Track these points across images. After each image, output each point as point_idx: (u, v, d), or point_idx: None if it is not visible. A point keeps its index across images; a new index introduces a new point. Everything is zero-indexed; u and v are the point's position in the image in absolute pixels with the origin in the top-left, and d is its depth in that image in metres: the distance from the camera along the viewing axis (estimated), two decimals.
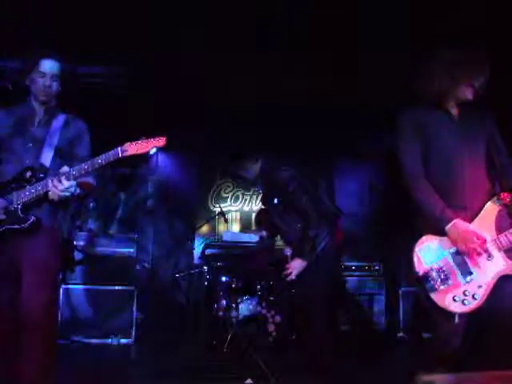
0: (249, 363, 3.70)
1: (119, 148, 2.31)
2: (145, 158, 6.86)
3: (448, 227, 2.21)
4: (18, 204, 2.34)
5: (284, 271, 3.27)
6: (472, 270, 2.21)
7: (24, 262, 2.35)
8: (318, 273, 3.23)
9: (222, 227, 6.80)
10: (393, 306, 5.59)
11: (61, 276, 4.79)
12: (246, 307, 4.65)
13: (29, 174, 2.37)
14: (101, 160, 2.31)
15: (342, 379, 3.63)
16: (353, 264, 5.97)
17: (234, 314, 4.62)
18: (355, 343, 5.39)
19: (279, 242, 5.87)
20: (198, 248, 6.25)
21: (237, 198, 7.20)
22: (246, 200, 7.20)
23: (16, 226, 2.33)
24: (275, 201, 3.43)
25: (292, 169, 3.43)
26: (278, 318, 4.57)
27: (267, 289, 4.77)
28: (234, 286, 4.80)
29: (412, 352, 4.35)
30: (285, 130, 5.90)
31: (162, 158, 6.97)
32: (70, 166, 2.36)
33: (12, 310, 2.33)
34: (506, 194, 2.26)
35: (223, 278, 4.94)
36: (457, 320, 2.15)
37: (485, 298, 2.17)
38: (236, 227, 7.09)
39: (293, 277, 3.21)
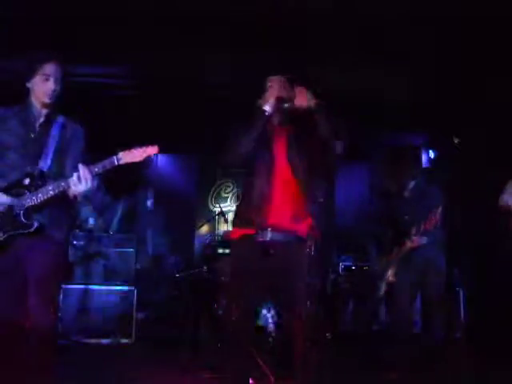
0: (249, 363, 3.68)
1: (115, 157, 2.35)
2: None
3: None
4: (20, 210, 2.34)
5: None
6: None
7: (28, 269, 2.37)
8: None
9: (221, 227, 6.79)
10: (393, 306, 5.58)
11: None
12: None
13: (27, 180, 2.38)
14: (97, 168, 2.36)
15: (342, 379, 3.63)
16: (353, 264, 5.97)
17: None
18: (355, 343, 5.39)
19: None
20: (197, 248, 6.25)
21: (237, 197, 7.20)
22: None
23: (20, 231, 2.33)
24: None
25: None
26: (278, 318, 4.56)
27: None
28: None
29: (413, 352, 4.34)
30: None
31: (161, 159, 6.97)
32: (64, 169, 2.44)
33: (14, 314, 2.36)
34: None
35: (223, 278, 4.92)
36: None
37: None
38: None
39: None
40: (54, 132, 2.51)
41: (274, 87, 2.62)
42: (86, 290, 5.03)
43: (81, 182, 2.31)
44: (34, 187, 2.37)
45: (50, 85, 2.46)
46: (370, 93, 5.20)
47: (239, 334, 2.53)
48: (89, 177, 2.32)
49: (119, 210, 6.41)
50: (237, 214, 2.77)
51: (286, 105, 2.60)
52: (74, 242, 5.16)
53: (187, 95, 5.46)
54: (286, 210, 2.56)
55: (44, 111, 2.53)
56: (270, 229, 2.53)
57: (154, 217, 6.72)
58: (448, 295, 4.22)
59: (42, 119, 2.52)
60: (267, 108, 2.56)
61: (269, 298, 4.63)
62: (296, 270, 2.58)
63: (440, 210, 3.62)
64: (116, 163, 2.34)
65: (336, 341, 5.13)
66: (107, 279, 5.14)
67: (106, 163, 2.35)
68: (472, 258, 5.15)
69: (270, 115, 2.58)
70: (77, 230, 5.37)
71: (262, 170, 2.59)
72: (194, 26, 4.29)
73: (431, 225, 3.62)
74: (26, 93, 2.53)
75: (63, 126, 2.55)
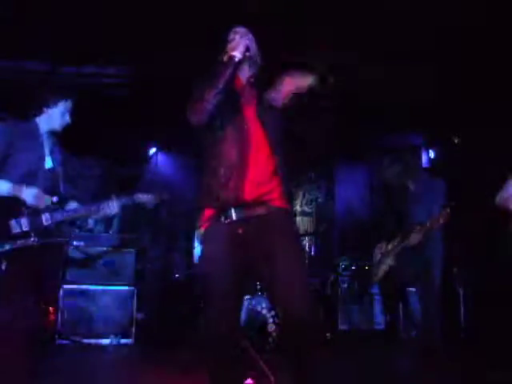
0: (249, 363, 3.69)
1: (140, 195, 2.97)
2: (145, 157, 6.86)
3: None
4: (51, 223, 2.64)
5: None
6: None
7: (42, 275, 2.63)
8: None
9: None
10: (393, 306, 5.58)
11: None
12: (246, 307, 4.64)
13: (56, 198, 2.70)
14: (125, 200, 2.89)
15: (342, 379, 3.64)
16: (353, 264, 5.97)
17: None
18: (355, 343, 5.39)
19: None
20: (197, 248, 6.24)
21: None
22: None
23: (51, 241, 2.62)
24: None
25: None
26: (278, 318, 4.56)
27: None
28: None
29: (412, 352, 4.35)
30: None
31: (162, 158, 6.97)
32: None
33: (23, 318, 2.49)
34: None
35: None
36: None
37: None
38: None
39: None
40: (57, 154, 2.82)
41: (241, 36, 2.24)
42: (86, 290, 5.03)
43: (113, 208, 2.80)
44: (62, 205, 2.72)
45: (68, 119, 2.79)
46: (370, 93, 5.20)
47: (220, 342, 2.09)
48: (118, 206, 2.82)
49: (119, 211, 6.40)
50: (202, 188, 2.35)
51: (251, 54, 2.24)
52: (74, 243, 5.16)
53: (187, 95, 5.46)
54: (259, 185, 2.11)
55: (49, 136, 2.78)
56: (233, 207, 2.10)
57: (154, 217, 6.72)
58: (448, 295, 4.22)
59: (49, 147, 2.77)
60: (237, 54, 2.14)
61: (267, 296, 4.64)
62: (279, 245, 2.05)
63: (448, 211, 3.60)
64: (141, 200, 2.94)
65: (336, 341, 5.15)
66: (107, 279, 5.14)
67: (134, 198, 2.93)
68: (472, 257, 5.15)
69: (240, 63, 2.16)
70: (77, 230, 5.37)
71: (232, 135, 2.16)
72: (194, 25, 4.29)
73: (437, 225, 3.62)
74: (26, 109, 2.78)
75: (61, 152, 2.87)
